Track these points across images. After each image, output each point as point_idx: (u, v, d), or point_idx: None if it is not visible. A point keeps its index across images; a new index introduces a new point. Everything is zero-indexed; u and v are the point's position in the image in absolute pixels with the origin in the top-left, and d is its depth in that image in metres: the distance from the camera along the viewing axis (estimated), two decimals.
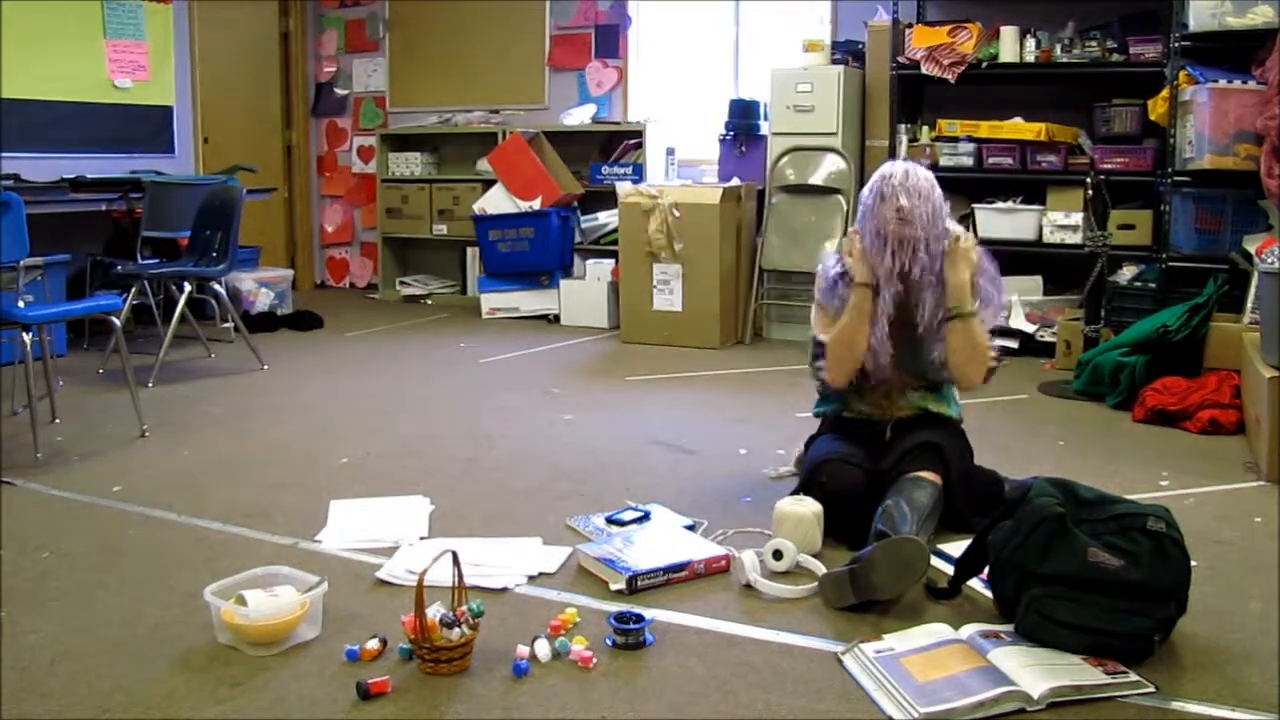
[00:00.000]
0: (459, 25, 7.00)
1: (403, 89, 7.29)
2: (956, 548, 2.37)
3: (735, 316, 5.57)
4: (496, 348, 5.27)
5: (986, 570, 2.18)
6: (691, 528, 2.70)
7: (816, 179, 5.48)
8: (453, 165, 7.01)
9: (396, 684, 1.88)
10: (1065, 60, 5.03)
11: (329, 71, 7.53)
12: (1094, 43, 4.98)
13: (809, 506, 2.53)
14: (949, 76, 5.17)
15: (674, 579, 2.34)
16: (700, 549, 2.46)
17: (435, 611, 1.95)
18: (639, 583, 2.29)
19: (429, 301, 6.94)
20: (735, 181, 5.62)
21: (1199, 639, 2.07)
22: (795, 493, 2.64)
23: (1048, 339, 4.97)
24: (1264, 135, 4.08)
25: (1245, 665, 1.97)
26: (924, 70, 5.21)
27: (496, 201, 6.21)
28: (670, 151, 6.27)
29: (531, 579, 2.37)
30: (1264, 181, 4.06)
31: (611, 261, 5.91)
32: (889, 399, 2.76)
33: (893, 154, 5.37)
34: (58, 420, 3.83)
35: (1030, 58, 5.09)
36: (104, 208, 5.32)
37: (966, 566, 2.23)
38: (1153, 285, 4.66)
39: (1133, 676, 1.89)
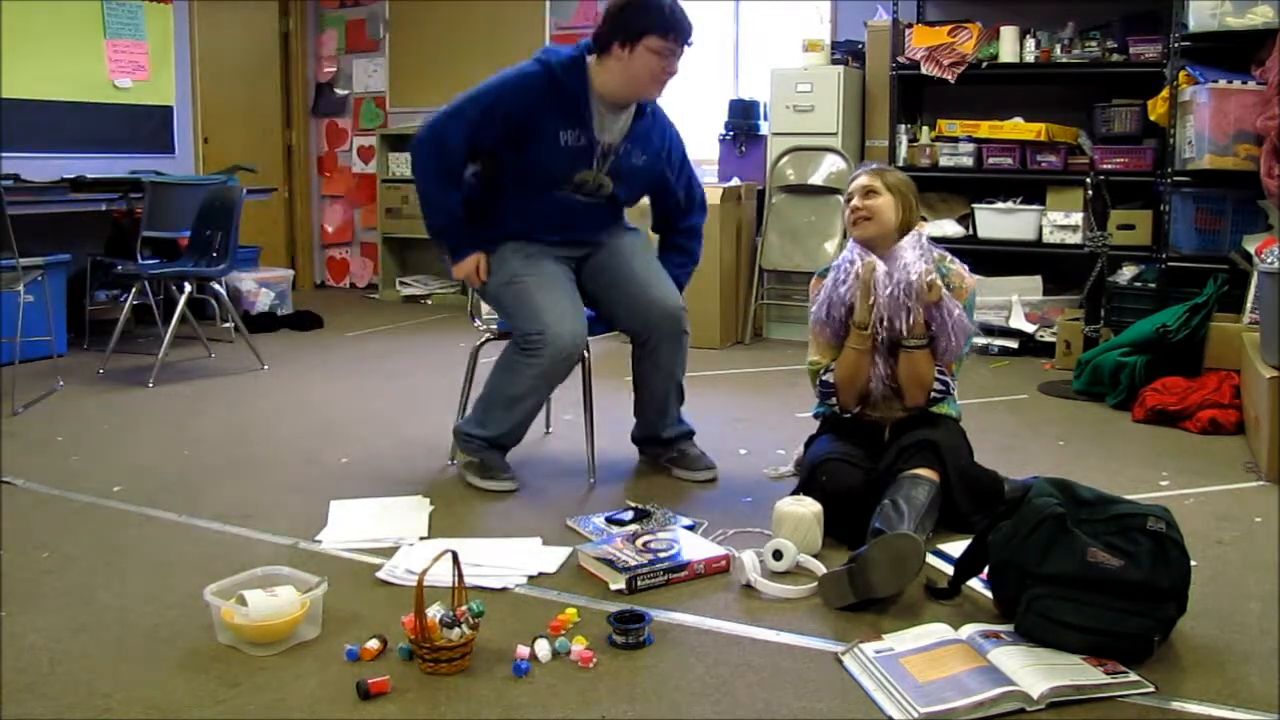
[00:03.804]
0: (459, 25, 7.00)
1: (403, 89, 7.29)
2: (956, 548, 2.37)
3: (735, 316, 5.57)
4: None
5: (986, 570, 2.18)
6: (691, 528, 2.70)
7: (816, 179, 5.48)
8: None
9: (396, 684, 1.88)
10: (1065, 60, 5.03)
11: (329, 71, 7.53)
12: (1094, 43, 4.98)
13: (809, 506, 2.53)
14: (949, 76, 5.17)
15: (674, 579, 2.34)
16: (700, 549, 2.47)
17: (435, 611, 1.95)
18: (639, 582, 2.29)
19: (429, 301, 6.94)
20: (735, 181, 5.62)
21: (1199, 639, 2.07)
22: (795, 493, 2.65)
23: (1048, 339, 4.97)
24: (1264, 135, 4.08)
25: (1245, 665, 1.97)
26: (924, 70, 5.22)
27: None
28: None
29: (531, 579, 2.36)
30: (1264, 181, 4.06)
31: None
32: (889, 403, 2.77)
33: (893, 154, 5.38)
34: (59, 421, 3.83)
35: (1030, 58, 5.09)
36: (104, 208, 5.31)
37: (966, 566, 2.23)
38: (1153, 285, 4.66)
39: (1133, 676, 1.89)
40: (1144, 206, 4.94)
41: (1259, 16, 4.26)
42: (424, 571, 1.95)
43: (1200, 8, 4.40)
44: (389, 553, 2.51)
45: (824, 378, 2.77)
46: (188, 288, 4.63)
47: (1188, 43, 4.56)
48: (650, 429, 3.18)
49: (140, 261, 4.90)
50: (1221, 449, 3.49)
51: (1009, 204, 5.19)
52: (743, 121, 5.79)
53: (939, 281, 2.64)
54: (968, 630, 2.04)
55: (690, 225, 3.22)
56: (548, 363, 2.84)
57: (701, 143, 6.27)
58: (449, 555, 2.00)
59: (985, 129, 5.18)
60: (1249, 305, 4.08)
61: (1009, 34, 5.11)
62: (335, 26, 7.50)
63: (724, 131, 5.85)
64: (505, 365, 2.95)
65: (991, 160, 5.19)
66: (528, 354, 2.86)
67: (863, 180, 2.77)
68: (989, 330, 5.08)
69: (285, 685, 1.89)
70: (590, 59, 2.86)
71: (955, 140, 5.24)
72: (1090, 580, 1.95)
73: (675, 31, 2.76)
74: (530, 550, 2.53)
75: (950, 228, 5.26)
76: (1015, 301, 5.11)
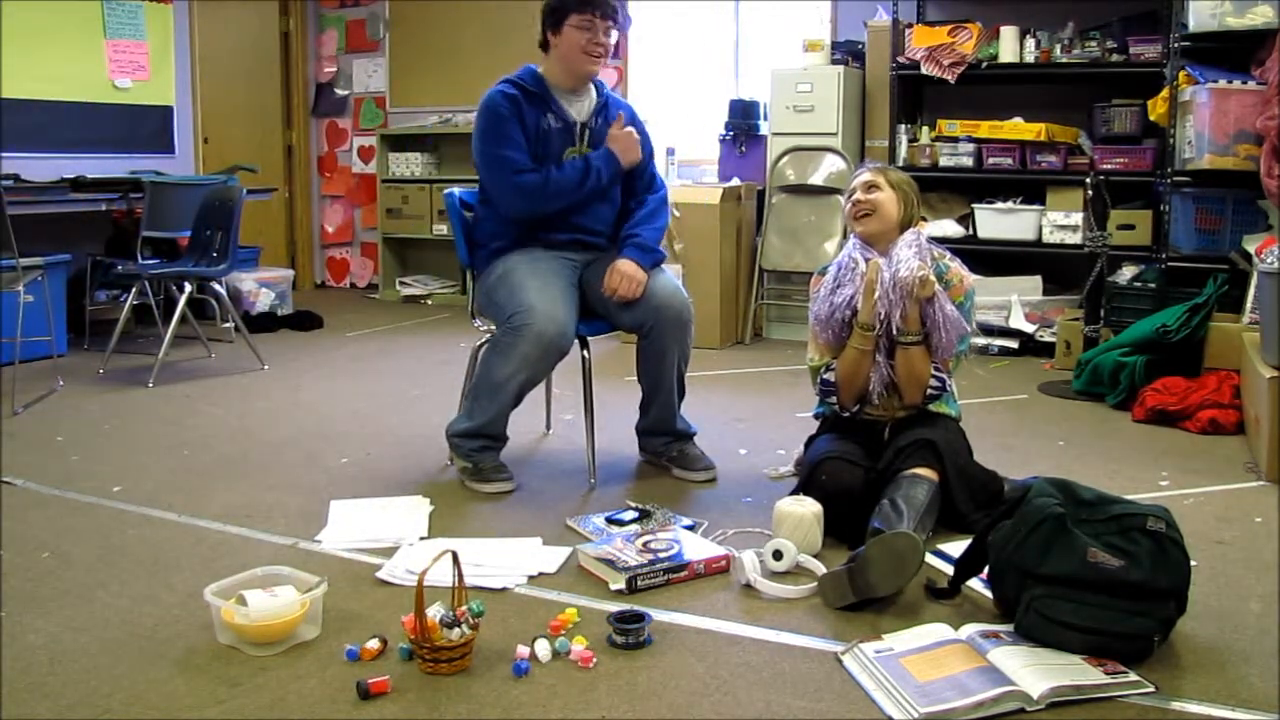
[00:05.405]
0: (459, 25, 7.00)
1: (403, 89, 7.29)
2: (956, 548, 2.37)
3: (735, 316, 5.57)
4: None
5: (986, 570, 2.18)
6: (691, 528, 2.70)
7: (816, 179, 5.48)
8: (453, 165, 7.01)
9: (396, 684, 1.88)
10: (1065, 60, 5.04)
11: (329, 71, 7.54)
12: (1094, 43, 4.98)
13: (809, 506, 2.53)
14: (949, 76, 5.17)
15: (674, 579, 2.34)
16: (700, 549, 2.47)
17: (435, 611, 1.95)
18: (639, 582, 2.29)
19: (429, 301, 6.94)
20: (735, 181, 5.62)
21: (1199, 639, 2.07)
22: (795, 493, 2.65)
23: (1048, 339, 4.97)
24: (1264, 135, 4.08)
25: (1245, 665, 1.97)
26: (924, 70, 5.22)
27: None
28: (670, 151, 6.27)
29: (531, 579, 2.36)
30: (1264, 181, 4.06)
31: None
32: (890, 402, 2.77)
33: (893, 154, 5.38)
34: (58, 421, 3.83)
35: (1030, 58, 5.09)
36: (104, 208, 5.32)
37: (966, 566, 2.23)
38: (1152, 285, 4.66)
39: (1133, 676, 1.89)
40: (1144, 206, 4.94)
41: (1259, 16, 4.26)
42: (424, 571, 1.95)
43: (1200, 8, 4.40)
44: (389, 553, 2.52)
45: (824, 376, 2.77)
46: (188, 288, 4.63)
47: (1188, 43, 4.56)
48: (654, 421, 3.22)
49: (140, 261, 4.90)
50: (1221, 449, 3.49)
51: (1009, 204, 5.19)
52: (743, 121, 5.79)
53: (933, 278, 2.65)
54: (968, 630, 2.04)
55: (649, 198, 3.24)
56: (531, 345, 2.87)
57: (701, 143, 6.29)
58: (449, 555, 2.00)
59: (985, 129, 5.18)
60: (1249, 305, 4.09)
61: (1009, 34, 5.11)
62: (335, 26, 7.50)
63: (724, 131, 5.85)
64: (491, 349, 3.01)
65: (991, 160, 5.19)
66: (511, 334, 2.90)
67: (866, 176, 2.79)
68: (989, 330, 5.08)
69: (285, 685, 1.89)
70: (539, 68, 3.17)
71: (955, 140, 5.24)
72: (1090, 580, 1.95)
73: (590, 6, 3.02)
74: (530, 550, 2.53)
75: (950, 228, 5.26)
76: (1015, 301, 5.11)
